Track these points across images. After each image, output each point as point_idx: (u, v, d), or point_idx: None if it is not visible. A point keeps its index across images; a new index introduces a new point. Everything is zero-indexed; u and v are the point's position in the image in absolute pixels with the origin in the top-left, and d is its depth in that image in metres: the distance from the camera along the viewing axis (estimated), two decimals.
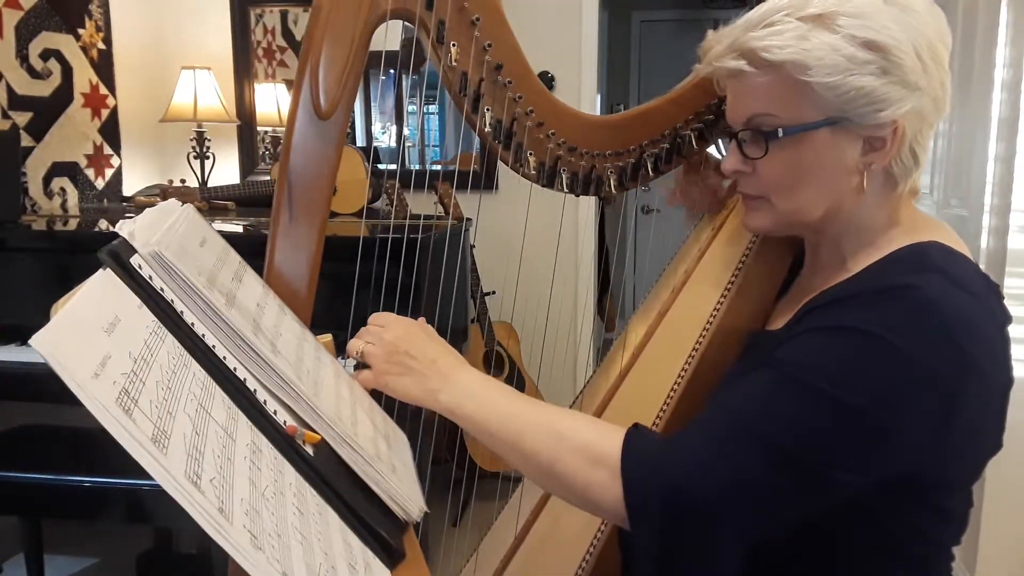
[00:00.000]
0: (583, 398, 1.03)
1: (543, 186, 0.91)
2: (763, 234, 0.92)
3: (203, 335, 0.60)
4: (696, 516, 0.69)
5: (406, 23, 0.85)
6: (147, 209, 0.66)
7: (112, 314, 0.50)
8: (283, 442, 0.61)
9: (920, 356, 0.67)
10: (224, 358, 0.60)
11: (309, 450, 0.63)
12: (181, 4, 3.09)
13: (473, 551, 1.02)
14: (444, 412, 0.78)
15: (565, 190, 0.91)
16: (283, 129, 2.21)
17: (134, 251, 0.58)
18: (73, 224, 2.22)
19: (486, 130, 0.87)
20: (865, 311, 0.70)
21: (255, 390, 0.61)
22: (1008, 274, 1.89)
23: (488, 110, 0.87)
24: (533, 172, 0.90)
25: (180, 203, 0.73)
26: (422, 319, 0.85)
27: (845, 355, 0.69)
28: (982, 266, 1.94)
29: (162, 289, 0.58)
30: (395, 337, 0.80)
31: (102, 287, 0.53)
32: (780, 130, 0.74)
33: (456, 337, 2.11)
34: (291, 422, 0.63)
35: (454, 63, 0.85)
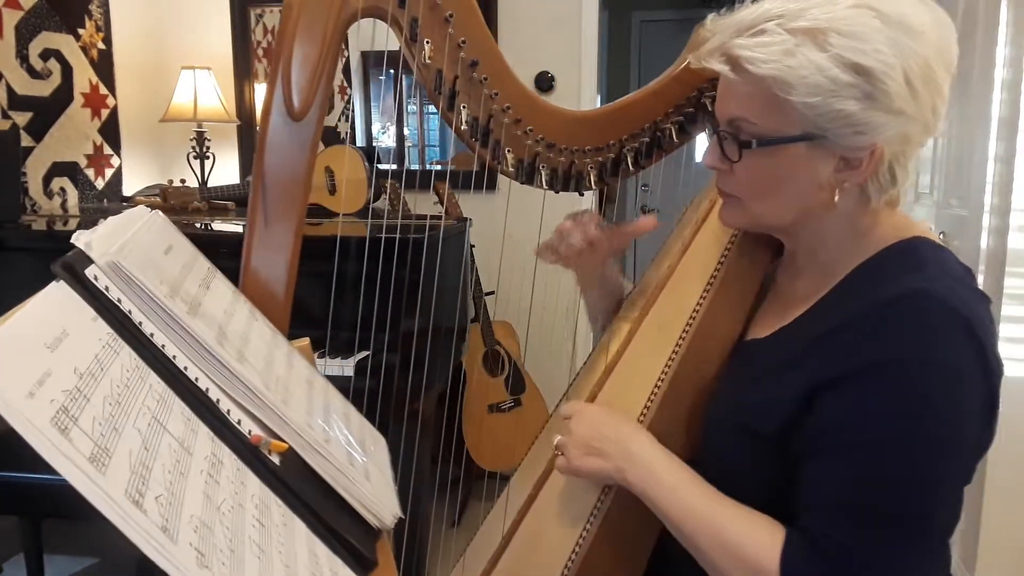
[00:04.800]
0: (571, 393, 1.02)
1: (522, 183, 0.89)
2: (737, 229, 0.91)
3: (163, 346, 0.59)
4: None
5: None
6: (110, 218, 0.65)
7: (59, 328, 0.49)
8: (247, 452, 0.60)
9: (955, 361, 0.68)
10: (185, 368, 0.59)
11: (275, 459, 0.62)
12: (181, 4, 3.09)
13: (465, 552, 1.01)
14: (631, 489, 0.82)
15: (544, 187, 0.90)
16: None
17: (91, 262, 0.57)
18: (73, 224, 2.22)
19: (462, 128, 0.86)
20: (882, 336, 0.70)
21: (218, 400, 0.60)
22: (1008, 274, 1.87)
23: (464, 107, 0.85)
24: (511, 169, 0.89)
25: (148, 209, 0.72)
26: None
27: (884, 397, 0.69)
28: (982, 266, 1.92)
29: (119, 300, 0.57)
30: (584, 430, 0.85)
31: (52, 301, 0.52)
32: (754, 141, 0.74)
33: (456, 337, 2.10)
34: (256, 431, 0.62)
35: (428, 60, 0.83)
